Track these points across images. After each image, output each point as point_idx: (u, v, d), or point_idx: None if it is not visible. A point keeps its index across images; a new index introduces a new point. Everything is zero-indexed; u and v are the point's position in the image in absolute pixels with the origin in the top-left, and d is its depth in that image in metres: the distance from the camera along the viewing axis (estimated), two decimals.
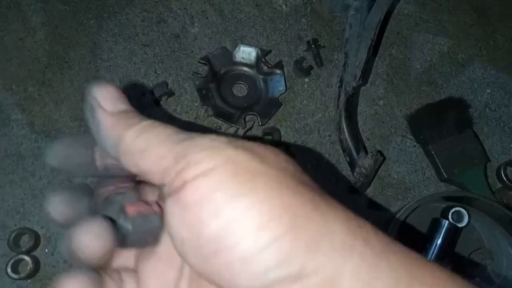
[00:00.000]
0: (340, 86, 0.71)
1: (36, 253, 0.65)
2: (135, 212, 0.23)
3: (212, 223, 0.20)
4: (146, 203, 0.24)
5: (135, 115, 0.24)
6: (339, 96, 0.71)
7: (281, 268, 0.19)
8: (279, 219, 0.19)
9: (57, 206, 0.25)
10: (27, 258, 0.63)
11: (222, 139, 0.22)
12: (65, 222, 0.25)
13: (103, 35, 0.78)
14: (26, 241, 0.65)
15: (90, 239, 0.21)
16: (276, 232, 0.19)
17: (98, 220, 0.22)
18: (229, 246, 0.19)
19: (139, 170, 0.23)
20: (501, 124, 0.84)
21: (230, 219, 0.20)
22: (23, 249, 0.63)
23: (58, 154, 0.25)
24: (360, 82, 0.70)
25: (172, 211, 0.21)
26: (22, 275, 0.62)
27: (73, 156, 0.25)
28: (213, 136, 0.22)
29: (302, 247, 0.19)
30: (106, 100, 0.24)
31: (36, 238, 0.65)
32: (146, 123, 0.23)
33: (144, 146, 0.22)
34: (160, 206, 0.25)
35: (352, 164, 0.70)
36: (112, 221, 0.23)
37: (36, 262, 0.64)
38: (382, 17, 0.68)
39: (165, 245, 0.25)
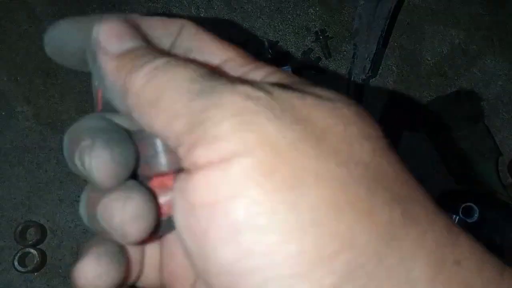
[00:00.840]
0: (349, 78, 0.70)
1: (42, 246, 0.65)
2: (164, 216, 0.18)
3: (226, 249, 0.14)
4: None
5: (148, 52, 0.17)
6: (348, 88, 0.70)
7: None
8: (334, 260, 0.13)
9: (105, 164, 0.16)
10: (33, 251, 0.63)
11: (259, 94, 0.15)
12: (110, 184, 0.17)
13: None
14: (32, 234, 0.65)
15: (133, 218, 0.16)
16: (329, 282, 0.13)
17: (139, 192, 0.17)
18: (253, 276, 0.14)
19: (153, 130, 0.16)
20: None
21: (255, 250, 0.13)
22: (30, 242, 0.63)
23: (52, 40, 0.20)
24: (370, 74, 0.68)
25: (178, 205, 0.16)
26: (29, 268, 0.62)
27: (68, 43, 0.19)
28: (248, 89, 0.15)
29: None
30: (109, 39, 0.17)
31: (43, 231, 0.65)
32: (161, 61, 0.16)
33: (154, 96, 0.16)
34: None
35: None
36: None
37: (43, 255, 0.64)
38: (393, 7, 0.66)
39: None
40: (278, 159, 0.14)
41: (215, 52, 0.19)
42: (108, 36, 0.17)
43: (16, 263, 0.62)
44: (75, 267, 0.17)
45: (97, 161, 0.16)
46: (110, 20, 0.18)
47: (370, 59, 0.67)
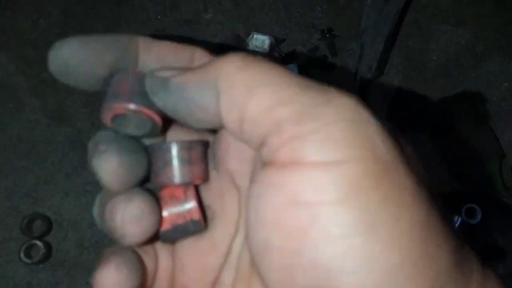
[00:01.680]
0: (355, 78, 0.70)
1: (48, 238, 0.66)
2: (169, 225, 0.19)
3: (327, 248, 0.14)
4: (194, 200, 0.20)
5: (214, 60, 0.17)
6: (354, 87, 0.70)
7: None
8: (421, 276, 0.14)
9: (117, 172, 0.18)
10: (39, 243, 0.64)
11: (364, 105, 0.15)
12: (117, 187, 0.18)
13: (116, 19, 0.78)
14: (38, 226, 0.65)
15: (132, 220, 0.17)
16: None
17: (142, 196, 0.18)
18: None
19: (241, 117, 0.16)
20: None
21: (352, 255, 0.14)
22: (36, 234, 0.64)
23: (61, 59, 0.19)
24: (376, 73, 0.68)
25: (263, 195, 0.15)
26: (35, 259, 0.63)
27: (77, 64, 0.19)
28: (353, 98, 0.15)
29: None
30: (174, 69, 0.18)
31: (49, 223, 0.66)
32: (244, 55, 0.16)
33: (255, 82, 0.16)
34: (201, 207, 0.20)
35: None
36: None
37: (48, 247, 0.65)
38: (401, 7, 0.66)
39: (214, 227, 0.21)
40: (385, 173, 0.14)
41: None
42: (171, 69, 0.18)
43: (22, 254, 0.63)
44: (95, 273, 0.18)
45: (107, 165, 0.18)
46: (149, 40, 0.19)
47: (377, 58, 0.67)
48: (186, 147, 0.19)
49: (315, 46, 0.78)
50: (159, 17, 0.78)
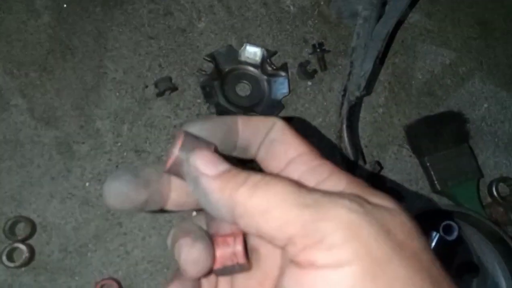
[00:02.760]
0: (344, 95, 0.72)
1: (31, 241, 0.66)
2: (220, 265, 0.24)
3: None
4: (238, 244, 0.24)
5: (239, 171, 0.22)
6: (342, 104, 0.72)
7: None
8: None
9: (117, 194, 0.23)
10: (22, 246, 0.63)
11: (356, 208, 0.20)
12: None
13: (108, 23, 0.77)
14: (21, 229, 0.65)
15: (193, 262, 0.23)
16: None
17: (202, 244, 0.23)
18: None
19: (260, 233, 0.21)
20: (496, 140, 0.86)
21: None
22: (19, 238, 0.64)
23: (117, 193, 0.23)
24: (364, 92, 0.70)
25: (290, 286, 0.20)
26: (17, 263, 0.62)
27: (130, 195, 0.23)
28: (346, 203, 0.20)
29: None
30: (206, 165, 0.22)
31: (32, 226, 0.65)
32: (257, 178, 0.21)
33: (264, 207, 0.20)
34: (246, 252, 0.25)
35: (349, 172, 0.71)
36: None
37: (32, 250, 0.64)
38: (391, 29, 0.68)
39: (260, 267, 0.25)
40: (378, 268, 0.18)
41: (293, 144, 0.25)
42: (204, 163, 0.22)
43: (4, 258, 0.62)
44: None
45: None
46: (200, 150, 0.23)
47: (366, 77, 0.69)
48: None
49: (306, 60, 0.80)
50: (152, 23, 0.78)
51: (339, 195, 0.21)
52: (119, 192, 0.23)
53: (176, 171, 0.24)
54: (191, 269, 0.22)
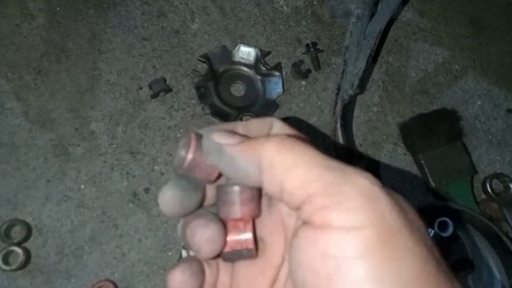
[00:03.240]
0: (338, 94, 0.72)
1: (27, 244, 0.65)
2: (229, 248, 0.25)
3: None
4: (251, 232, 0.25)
5: (261, 137, 0.24)
6: (336, 103, 0.72)
7: None
8: None
9: (166, 203, 0.25)
10: (18, 249, 0.63)
11: (377, 182, 0.21)
12: (173, 215, 0.26)
13: (102, 25, 0.77)
14: (17, 232, 0.65)
15: (207, 240, 0.24)
16: None
17: (215, 224, 0.24)
18: None
19: (281, 188, 0.22)
20: (489, 137, 0.86)
21: None
22: (15, 241, 0.63)
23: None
24: (358, 90, 0.71)
25: (302, 247, 0.21)
26: (13, 266, 0.62)
27: (187, 200, 0.25)
28: (369, 176, 0.21)
29: None
30: (227, 136, 0.24)
31: (28, 229, 0.65)
32: (282, 136, 0.23)
33: (290, 163, 0.21)
34: (256, 239, 0.26)
35: None
36: None
37: (27, 253, 0.64)
38: (383, 26, 0.69)
39: (264, 256, 0.26)
40: (390, 237, 0.19)
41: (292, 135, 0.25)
42: (225, 136, 0.24)
43: (0, 261, 0.62)
44: (169, 273, 0.25)
45: (162, 197, 0.25)
46: (218, 125, 0.26)
47: (359, 76, 0.69)
48: (243, 190, 0.25)
49: (299, 60, 0.80)
50: (145, 25, 0.79)
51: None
52: (171, 202, 0.25)
53: (189, 169, 0.26)
54: (205, 248, 0.24)
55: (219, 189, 0.26)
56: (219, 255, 0.25)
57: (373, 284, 0.19)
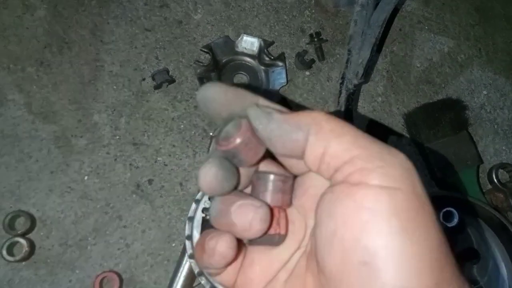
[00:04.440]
0: (342, 83, 0.72)
1: (31, 236, 0.65)
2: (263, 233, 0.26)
3: (376, 238, 0.21)
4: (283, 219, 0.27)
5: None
6: (340, 92, 0.72)
7: None
8: (426, 273, 0.21)
9: (208, 180, 0.25)
10: (22, 240, 0.63)
11: (412, 162, 0.23)
12: (211, 193, 0.26)
13: (104, 16, 0.77)
14: (21, 224, 0.65)
15: (261, 220, 0.25)
16: (420, 282, 0.21)
17: (266, 207, 0.25)
18: (371, 270, 0.21)
19: (324, 152, 0.23)
20: (495, 126, 0.85)
21: (384, 246, 0.21)
22: (19, 232, 0.63)
23: (204, 98, 0.26)
24: (362, 80, 0.70)
25: (338, 198, 0.23)
26: (17, 257, 0.62)
27: (228, 179, 0.26)
28: (405, 157, 0.23)
29: None
30: (274, 106, 0.26)
31: (32, 220, 0.65)
32: (327, 113, 0.25)
33: (338, 129, 0.23)
34: (287, 227, 0.27)
35: None
36: None
37: (32, 244, 0.64)
38: (388, 15, 0.68)
39: (293, 238, 0.27)
40: (417, 205, 0.22)
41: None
42: (272, 105, 0.26)
43: (4, 252, 0.62)
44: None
45: (204, 175, 0.25)
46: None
47: (363, 65, 0.68)
48: (280, 179, 0.27)
49: (303, 50, 0.79)
50: (148, 15, 0.78)
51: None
52: (213, 180, 0.25)
53: (237, 148, 0.26)
54: (256, 226, 0.25)
55: (256, 175, 0.27)
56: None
57: (402, 236, 0.21)
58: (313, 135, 0.23)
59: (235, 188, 0.27)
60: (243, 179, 0.27)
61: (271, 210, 0.26)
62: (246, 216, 0.25)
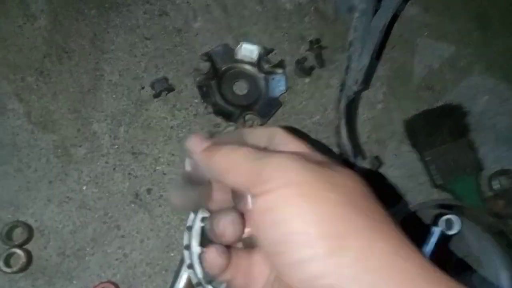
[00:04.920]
0: (342, 90, 0.71)
1: (29, 246, 0.65)
2: (248, 234, 0.32)
3: (278, 228, 0.26)
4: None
5: (217, 146, 0.32)
6: (340, 100, 0.71)
7: (330, 278, 0.24)
8: (333, 238, 0.25)
9: (176, 195, 0.33)
10: (19, 251, 0.63)
11: (296, 157, 0.28)
12: (180, 207, 0.34)
13: (104, 25, 0.77)
14: (19, 234, 0.64)
15: (230, 226, 0.30)
16: (331, 247, 0.24)
17: (234, 212, 0.31)
18: (291, 250, 0.25)
19: (229, 183, 0.30)
20: (496, 133, 0.85)
21: (292, 229, 0.25)
22: (16, 243, 0.63)
23: (181, 194, 0.33)
24: (362, 86, 0.70)
25: (254, 211, 0.28)
26: (15, 268, 0.62)
27: (192, 194, 0.33)
28: (289, 155, 0.28)
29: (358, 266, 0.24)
30: (195, 144, 0.32)
31: (30, 231, 0.65)
32: (226, 148, 0.31)
33: (229, 166, 0.30)
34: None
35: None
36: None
37: (29, 255, 0.64)
38: (388, 21, 0.68)
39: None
40: (307, 189, 0.26)
41: (294, 145, 0.32)
42: (194, 143, 0.33)
43: (1, 263, 0.62)
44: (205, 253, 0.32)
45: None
46: (194, 135, 0.33)
47: (363, 71, 0.68)
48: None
49: (303, 57, 0.79)
50: (147, 24, 0.78)
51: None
52: (178, 198, 0.33)
53: (188, 177, 0.34)
54: (228, 230, 0.30)
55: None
56: (239, 240, 0.31)
57: (299, 221, 0.26)
58: (217, 177, 0.31)
59: (207, 201, 0.34)
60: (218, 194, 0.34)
61: None
62: (219, 225, 0.30)
